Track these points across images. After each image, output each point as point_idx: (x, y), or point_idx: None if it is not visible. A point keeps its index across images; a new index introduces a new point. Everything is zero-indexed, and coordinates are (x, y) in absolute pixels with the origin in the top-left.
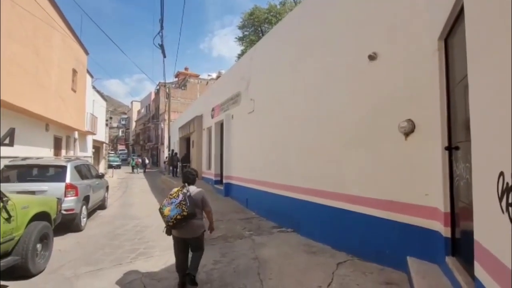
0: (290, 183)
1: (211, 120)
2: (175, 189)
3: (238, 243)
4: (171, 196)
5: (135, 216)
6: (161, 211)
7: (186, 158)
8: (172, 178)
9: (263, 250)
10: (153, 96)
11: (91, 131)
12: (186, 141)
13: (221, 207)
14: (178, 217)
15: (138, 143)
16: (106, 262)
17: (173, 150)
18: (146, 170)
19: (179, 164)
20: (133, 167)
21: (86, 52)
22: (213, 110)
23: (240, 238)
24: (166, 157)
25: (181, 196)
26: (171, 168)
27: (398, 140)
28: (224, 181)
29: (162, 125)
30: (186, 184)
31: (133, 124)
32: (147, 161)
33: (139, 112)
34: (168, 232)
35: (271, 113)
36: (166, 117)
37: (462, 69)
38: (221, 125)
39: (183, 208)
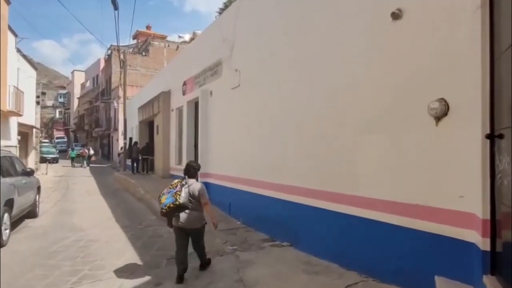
0: (286, 182)
1: (182, 98)
2: (176, 180)
3: (217, 261)
4: (171, 186)
5: (78, 227)
6: (159, 199)
7: (148, 149)
8: (131, 176)
9: (251, 270)
10: (102, 65)
11: (15, 110)
12: (149, 126)
13: None
14: (171, 205)
15: (82, 129)
16: None
17: (131, 139)
18: (91, 163)
19: (140, 157)
20: (72, 159)
21: (7, 1)
22: (184, 84)
23: (220, 255)
24: (121, 148)
25: (178, 186)
26: (130, 162)
27: (427, 125)
28: (200, 180)
29: (116, 105)
30: (186, 177)
31: (75, 103)
32: (91, 151)
33: (83, 86)
34: (170, 225)
35: (262, 89)
36: (121, 93)
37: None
38: (195, 104)
39: (176, 198)
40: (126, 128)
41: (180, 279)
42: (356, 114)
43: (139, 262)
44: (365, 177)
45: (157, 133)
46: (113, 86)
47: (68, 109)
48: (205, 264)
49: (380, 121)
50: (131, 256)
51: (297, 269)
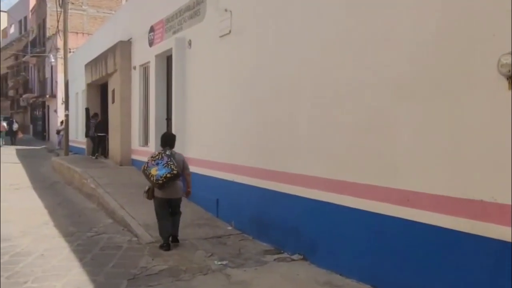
0: (298, 170)
1: (149, 50)
2: (157, 152)
3: (199, 282)
4: (154, 158)
5: (2, 236)
6: (146, 172)
7: (104, 125)
8: (75, 164)
9: None
10: (33, 2)
11: None
12: (100, 92)
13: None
14: (168, 175)
15: (4, 95)
16: None
17: (87, 110)
18: (16, 142)
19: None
20: None
21: None
22: (152, 31)
23: (203, 273)
24: (62, 123)
25: (165, 158)
26: (91, 142)
27: (496, 88)
28: None
29: (53, 60)
30: (167, 147)
31: None
32: (15, 125)
33: (5, 33)
34: (150, 196)
35: (264, 37)
36: (60, 43)
37: None
38: (167, 59)
39: (172, 167)
40: (68, 94)
41: (168, 246)
42: (396, 70)
43: (89, 285)
44: (407, 162)
45: (113, 102)
46: (48, 33)
47: None
48: (177, 240)
49: (428, 82)
50: (77, 275)
51: None
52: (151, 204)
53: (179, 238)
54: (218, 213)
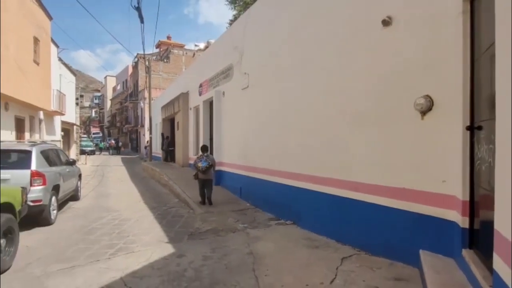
0: (288, 169)
1: (199, 98)
2: (200, 154)
3: (230, 237)
4: (199, 157)
5: (113, 208)
6: (195, 165)
7: (170, 143)
8: (155, 166)
9: (259, 244)
10: (130, 70)
11: (58, 110)
12: (170, 123)
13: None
14: (207, 166)
15: (114, 125)
16: (80, 259)
17: (163, 134)
18: (120, 153)
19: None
20: (101, 149)
21: (50, 17)
22: (200, 86)
23: (232, 232)
24: (147, 142)
25: (204, 157)
26: (164, 153)
27: (413, 119)
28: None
29: (142, 104)
30: (205, 151)
31: (108, 103)
32: (119, 143)
33: (114, 89)
34: (196, 177)
35: (267, 89)
36: (146, 94)
37: (489, 36)
38: (210, 103)
39: (208, 161)
40: (151, 124)
41: (204, 202)
42: (350, 108)
43: (165, 238)
44: (358, 164)
45: (178, 129)
46: (139, 88)
47: (102, 109)
48: (211, 202)
49: (371, 115)
50: (157, 232)
51: (299, 244)
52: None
53: (212, 201)
54: (241, 196)
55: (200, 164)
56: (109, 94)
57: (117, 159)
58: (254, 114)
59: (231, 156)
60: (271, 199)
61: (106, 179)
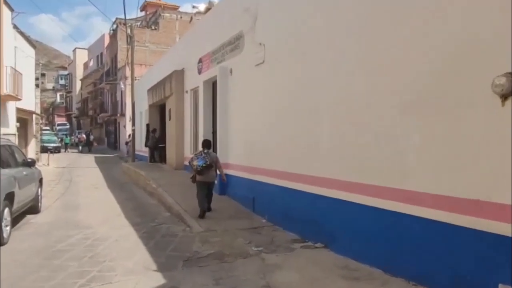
0: (318, 173)
1: (198, 77)
2: (199, 151)
3: (239, 264)
4: (196, 155)
5: (84, 224)
6: (191, 163)
7: (160, 138)
8: (140, 168)
9: (278, 274)
10: (107, 41)
11: (12, 94)
12: (160, 111)
13: (213, 211)
14: (204, 165)
15: (85, 114)
16: None
17: (148, 126)
18: (92, 150)
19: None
20: (66, 145)
21: None
22: (200, 62)
23: (243, 257)
24: (129, 136)
25: (203, 154)
26: (151, 151)
27: (489, 105)
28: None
29: (122, 86)
30: (206, 148)
31: (77, 85)
32: (91, 137)
33: (86, 65)
34: (194, 180)
35: (291, 67)
36: (128, 73)
37: None
38: (213, 84)
39: (206, 160)
40: (134, 113)
41: (203, 214)
42: (403, 91)
43: (153, 264)
44: (412, 167)
45: (169, 119)
46: (119, 65)
47: (70, 92)
48: (210, 209)
49: (430, 100)
50: (143, 256)
51: (333, 274)
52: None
53: (215, 214)
54: (254, 209)
55: (195, 163)
56: (79, 73)
57: (89, 159)
58: (271, 100)
59: (240, 155)
60: (295, 213)
61: (76, 185)
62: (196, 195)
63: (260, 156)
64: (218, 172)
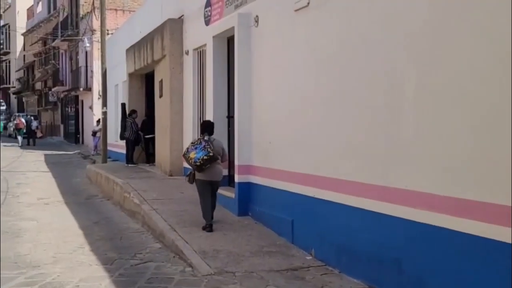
0: (411, 185)
1: (205, 30)
2: (196, 138)
3: None
4: (194, 143)
5: (30, 261)
6: (186, 156)
7: (147, 125)
8: (115, 173)
9: None
10: None
11: None
12: (146, 83)
13: (230, 241)
14: (205, 157)
15: (31, 89)
16: None
17: (124, 106)
18: (36, 141)
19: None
20: None
21: None
22: (209, 5)
23: None
24: (98, 122)
25: (203, 142)
26: (131, 146)
27: None
28: (238, 178)
29: (88, 44)
30: (206, 134)
31: (19, 43)
32: (34, 123)
33: (31, 12)
34: (192, 179)
35: (353, 9)
36: (97, 23)
37: None
38: (228, 41)
39: (208, 150)
40: (106, 86)
41: (211, 227)
42: None
43: None
44: None
45: (160, 96)
46: (82, 11)
47: (7, 53)
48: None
49: None
50: None
51: None
52: (226, 221)
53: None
54: (294, 238)
55: (192, 155)
56: (21, 24)
57: (36, 158)
58: (322, 64)
59: (272, 153)
60: (364, 247)
61: (15, 200)
62: (200, 199)
63: (307, 156)
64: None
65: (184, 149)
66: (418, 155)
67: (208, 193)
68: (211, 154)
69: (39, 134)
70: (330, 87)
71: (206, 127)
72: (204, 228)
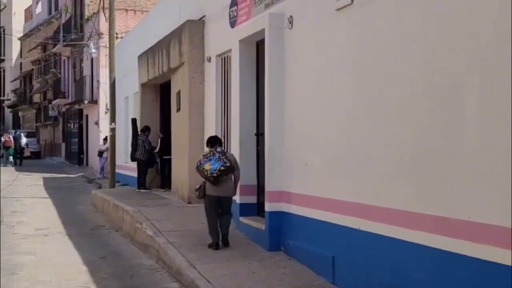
0: (465, 213)
1: (231, 33)
2: (207, 150)
3: None
4: (206, 155)
5: None
6: (200, 168)
7: (164, 144)
8: (126, 198)
9: None
10: None
11: None
12: (160, 95)
13: (259, 281)
14: (222, 168)
15: (29, 102)
16: None
17: (134, 121)
18: (23, 161)
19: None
20: None
21: None
22: (235, 4)
23: None
24: (105, 140)
25: (217, 154)
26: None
27: None
28: (269, 206)
29: (94, 50)
30: (218, 145)
31: (14, 48)
32: (24, 140)
33: (29, 13)
34: (202, 194)
35: (406, 9)
36: (105, 26)
37: None
38: (257, 46)
39: (224, 160)
40: (115, 98)
41: (217, 245)
42: None
43: None
44: None
45: (178, 109)
46: (88, 12)
47: (2, 60)
48: (227, 242)
49: None
50: None
51: None
52: (234, 262)
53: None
54: (335, 278)
55: (207, 166)
56: (17, 26)
57: (34, 181)
58: (370, 72)
59: (309, 176)
60: None
61: (9, 231)
62: (206, 216)
63: (351, 180)
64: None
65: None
66: (484, 182)
67: (216, 211)
68: (227, 164)
69: (26, 153)
70: (378, 99)
71: (216, 141)
72: (210, 246)
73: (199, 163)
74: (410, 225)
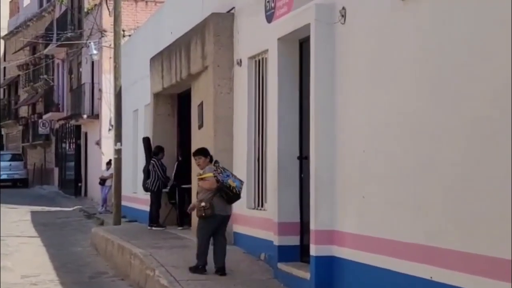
0: None
1: (266, 29)
2: (213, 166)
3: None
4: (219, 171)
5: None
6: (226, 184)
7: (182, 168)
8: (134, 238)
9: None
10: None
11: None
12: (177, 107)
13: None
14: (241, 186)
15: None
16: None
17: (148, 141)
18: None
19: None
20: None
21: None
22: None
23: None
24: (108, 164)
25: (227, 170)
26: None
27: None
28: (316, 250)
29: (95, 52)
30: (216, 161)
31: None
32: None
33: (15, 6)
34: (210, 211)
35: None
36: (108, 21)
37: None
38: (301, 45)
39: (240, 180)
40: (121, 112)
41: (204, 269)
42: None
43: None
44: None
45: (200, 126)
46: (87, 4)
47: None
48: (224, 271)
49: None
50: None
51: None
52: None
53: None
54: None
55: (233, 183)
56: (2, 22)
57: (19, 216)
58: (443, 76)
59: (367, 211)
60: None
61: None
62: (203, 238)
63: (421, 217)
64: None
65: (245, 217)
66: None
67: (212, 233)
68: (243, 182)
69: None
70: (455, 105)
71: (204, 152)
72: (195, 270)
73: (217, 178)
74: (498, 275)
